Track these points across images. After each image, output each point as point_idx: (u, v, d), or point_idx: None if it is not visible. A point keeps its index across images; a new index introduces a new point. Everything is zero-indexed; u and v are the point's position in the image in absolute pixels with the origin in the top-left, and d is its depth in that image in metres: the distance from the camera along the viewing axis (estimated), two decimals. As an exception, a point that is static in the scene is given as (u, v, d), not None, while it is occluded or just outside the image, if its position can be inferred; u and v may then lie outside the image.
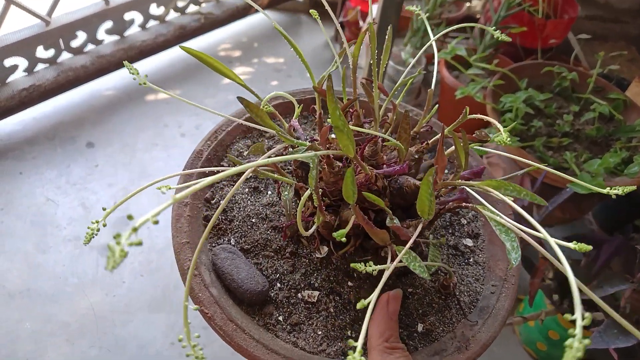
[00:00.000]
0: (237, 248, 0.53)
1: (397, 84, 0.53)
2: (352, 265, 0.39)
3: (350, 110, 0.52)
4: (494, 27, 1.41)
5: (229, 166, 0.60)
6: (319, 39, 2.09)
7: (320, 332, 0.49)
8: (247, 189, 0.59)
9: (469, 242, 0.59)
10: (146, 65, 1.88)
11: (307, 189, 0.45)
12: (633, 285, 0.99)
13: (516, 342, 1.29)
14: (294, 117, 0.54)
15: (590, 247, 0.37)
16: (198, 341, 0.41)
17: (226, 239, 0.54)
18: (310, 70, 0.52)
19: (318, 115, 0.51)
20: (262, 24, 2.13)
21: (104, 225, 0.46)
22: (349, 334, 0.49)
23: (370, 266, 0.39)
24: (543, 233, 0.35)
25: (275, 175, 0.49)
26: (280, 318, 0.49)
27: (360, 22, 1.85)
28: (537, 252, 1.13)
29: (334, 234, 0.40)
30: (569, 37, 1.83)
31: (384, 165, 0.49)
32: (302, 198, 0.44)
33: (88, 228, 0.46)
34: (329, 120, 0.39)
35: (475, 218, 0.62)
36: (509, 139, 0.43)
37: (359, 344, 0.31)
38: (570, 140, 1.18)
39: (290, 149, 0.49)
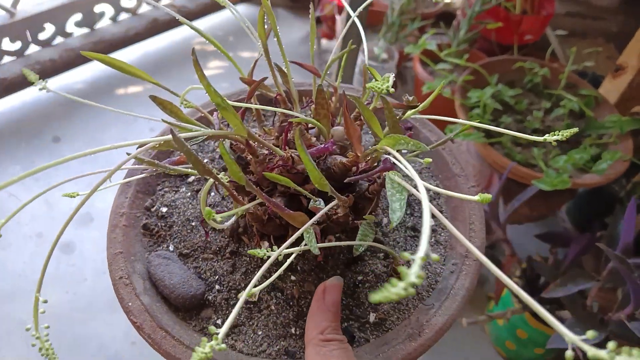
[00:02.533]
0: (176, 254, 0.52)
1: (329, 63, 0.51)
2: (249, 252, 0.39)
3: (276, 96, 0.51)
4: (467, 22, 1.40)
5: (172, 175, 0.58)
6: (297, 33, 2.08)
7: (260, 332, 0.48)
8: (189, 193, 0.57)
9: (405, 185, 0.56)
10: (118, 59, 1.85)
11: (234, 184, 0.44)
12: (599, 283, 0.98)
13: (487, 342, 1.28)
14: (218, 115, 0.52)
15: (490, 197, 0.35)
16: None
17: (165, 246, 0.53)
18: (236, 65, 0.53)
19: (256, 111, 0.50)
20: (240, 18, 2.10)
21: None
22: (293, 331, 0.48)
23: (268, 251, 0.38)
24: (417, 181, 0.32)
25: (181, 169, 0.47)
26: (219, 321, 0.48)
27: (337, 17, 1.84)
28: (503, 250, 1.12)
29: (251, 252, 0.38)
30: (547, 33, 1.83)
31: (313, 146, 0.47)
32: (206, 185, 0.42)
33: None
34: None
35: (437, 195, 0.60)
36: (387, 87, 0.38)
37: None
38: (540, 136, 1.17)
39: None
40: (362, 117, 0.48)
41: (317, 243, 0.41)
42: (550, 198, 1.14)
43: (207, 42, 0.48)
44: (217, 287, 0.50)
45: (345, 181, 0.43)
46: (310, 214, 0.41)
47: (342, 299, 0.48)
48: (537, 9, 1.63)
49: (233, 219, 0.45)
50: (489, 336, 1.30)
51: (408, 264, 0.50)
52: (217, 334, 0.28)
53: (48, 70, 1.64)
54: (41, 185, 1.45)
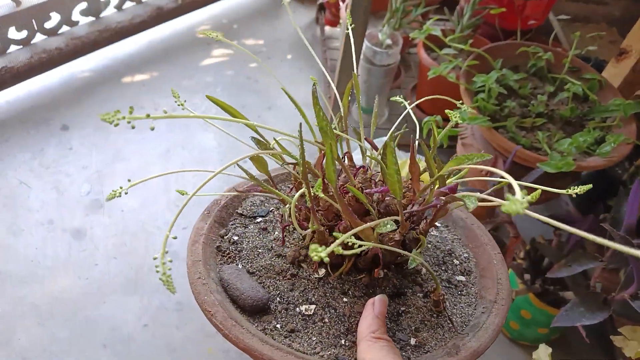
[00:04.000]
0: (244, 270, 0.59)
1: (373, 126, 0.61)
2: (309, 250, 0.42)
3: (345, 154, 0.59)
4: (471, 8, 1.41)
5: (242, 214, 0.67)
6: (301, 20, 2.08)
7: (314, 338, 0.53)
8: (256, 230, 0.65)
9: (461, 277, 0.63)
10: (124, 47, 1.87)
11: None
12: (602, 264, 1.00)
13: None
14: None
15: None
16: (171, 322, 0.45)
17: (235, 264, 0.60)
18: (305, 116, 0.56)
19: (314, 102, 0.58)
20: (242, 6, 2.11)
21: (126, 193, 0.50)
22: (343, 342, 0.53)
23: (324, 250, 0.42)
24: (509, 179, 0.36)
25: (276, 191, 0.58)
26: (278, 326, 0.53)
27: (340, 4, 1.84)
28: (508, 232, 1.14)
29: (313, 188, 0.44)
30: (550, 18, 1.83)
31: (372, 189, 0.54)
32: (296, 193, 0.50)
33: (113, 191, 0.50)
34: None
35: (467, 259, 0.67)
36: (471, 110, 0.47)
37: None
38: (544, 120, 1.18)
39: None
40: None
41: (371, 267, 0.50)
42: (554, 181, 1.15)
43: (211, 30, 0.52)
44: (277, 299, 0.56)
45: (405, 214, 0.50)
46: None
47: (386, 323, 0.54)
48: (540, -6, 1.64)
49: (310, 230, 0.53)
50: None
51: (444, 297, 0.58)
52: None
53: (55, 59, 1.65)
54: (50, 173, 1.46)
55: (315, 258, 0.34)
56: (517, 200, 0.28)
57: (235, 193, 0.67)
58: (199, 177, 1.49)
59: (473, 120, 1.10)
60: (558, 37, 1.74)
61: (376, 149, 0.60)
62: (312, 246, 0.36)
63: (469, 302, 0.60)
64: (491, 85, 1.16)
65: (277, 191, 0.58)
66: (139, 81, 1.78)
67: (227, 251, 0.61)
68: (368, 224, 0.47)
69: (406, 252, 0.50)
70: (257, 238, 0.64)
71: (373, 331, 0.49)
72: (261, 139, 0.57)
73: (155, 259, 0.38)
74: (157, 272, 0.38)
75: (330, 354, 0.52)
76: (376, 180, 0.57)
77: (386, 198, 0.53)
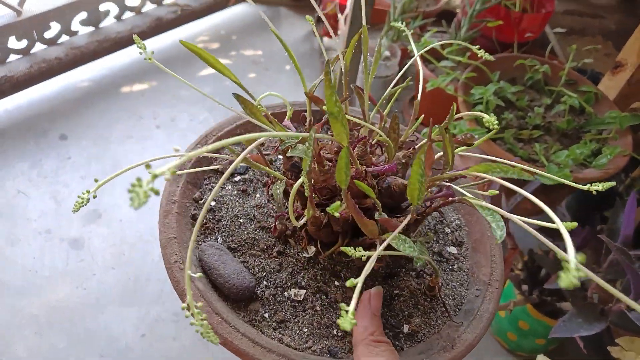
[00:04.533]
0: (225, 246, 0.54)
1: (383, 96, 0.55)
2: (342, 248, 0.41)
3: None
4: (468, 21, 1.42)
5: (223, 162, 0.61)
6: (299, 32, 2.10)
7: (306, 330, 0.50)
8: (235, 191, 0.60)
9: (453, 249, 0.61)
10: (123, 57, 1.87)
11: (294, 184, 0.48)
12: (599, 275, 1.01)
13: (488, 333, 1.31)
14: (286, 118, 0.55)
15: (496, 192, 0.42)
16: (168, 332, 0.42)
17: (213, 238, 0.55)
18: (303, 78, 0.55)
19: (309, 121, 0.53)
20: (240, 17, 2.13)
21: (94, 197, 0.48)
22: (335, 332, 0.50)
23: (359, 251, 0.40)
24: (551, 216, 0.37)
25: (267, 169, 0.51)
26: (266, 315, 0.50)
27: (339, 15, 1.86)
28: (506, 243, 1.15)
29: (328, 208, 0.40)
30: (546, 31, 1.85)
31: (372, 166, 0.50)
32: (293, 187, 0.45)
33: (78, 197, 0.47)
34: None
35: (459, 227, 0.64)
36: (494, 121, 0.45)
37: (351, 307, 0.32)
38: (541, 132, 1.19)
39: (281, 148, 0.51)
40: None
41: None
42: (551, 193, 1.16)
43: (210, 40, 0.52)
44: (264, 282, 0.52)
45: (404, 207, 0.49)
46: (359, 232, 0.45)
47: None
48: (536, 7, 1.66)
49: (304, 219, 0.48)
50: (490, 327, 1.32)
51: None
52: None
53: (54, 69, 1.66)
54: (49, 183, 1.47)
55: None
56: (571, 271, 0.29)
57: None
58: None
59: (472, 132, 1.10)
60: (554, 50, 1.75)
61: (375, 103, 0.55)
62: (345, 249, 0.37)
63: (461, 280, 0.58)
64: (489, 97, 1.17)
65: (273, 171, 0.52)
66: (138, 91, 1.79)
67: (205, 222, 0.56)
68: (371, 226, 0.44)
69: (409, 254, 0.46)
70: (237, 203, 0.58)
71: (371, 332, 0.46)
72: (247, 99, 0.51)
73: (184, 308, 0.36)
74: (192, 324, 0.35)
75: (322, 347, 0.49)
76: (373, 145, 0.53)
77: (387, 179, 0.49)
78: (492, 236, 0.60)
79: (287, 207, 0.47)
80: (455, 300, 0.56)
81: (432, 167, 0.46)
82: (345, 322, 0.31)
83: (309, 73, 1.89)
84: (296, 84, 1.86)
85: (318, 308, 0.51)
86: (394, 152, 0.49)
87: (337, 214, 0.41)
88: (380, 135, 0.48)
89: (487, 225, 0.61)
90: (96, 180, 0.47)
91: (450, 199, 0.49)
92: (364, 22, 0.54)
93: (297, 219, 0.50)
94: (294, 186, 0.45)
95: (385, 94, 0.56)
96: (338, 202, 0.41)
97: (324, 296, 0.52)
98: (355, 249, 0.41)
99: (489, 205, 0.43)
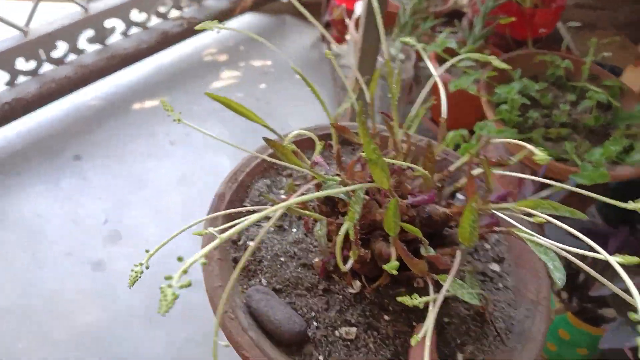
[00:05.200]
0: (270, 288, 0.53)
1: (408, 117, 0.55)
2: (399, 299, 0.41)
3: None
4: (481, 19, 1.40)
5: (251, 206, 0.60)
6: (305, 40, 2.08)
7: None
8: (272, 228, 0.59)
9: (495, 267, 0.60)
10: (131, 74, 1.86)
11: (336, 223, 0.48)
12: (642, 275, 0.98)
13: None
14: (315, 153, 0.55)
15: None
16: (199, 354, 0.41)
17: (257, 280, 0.54)
18: (325, 105, 0.54)
19: (336, 150, 0.53)
20: (247, 27, 2.11)
21: (147, 268, 0.46)
22: None
23: (416, 298, 0.39)
24: (602, 252, 0.36)
25: (308, 212, 0.50)
26: (320, 358, 0.49)
27: (347, 21, 1.84)
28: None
29: (385, 266, 0.39)
30: (559, 26, 1.84)
31: (409, 196, 0.50)
32: (340, 232, 0.44)
33: (132, 271, 0.45)
34: (362, 154, 0.41)
35: (498, 242, 0.63)
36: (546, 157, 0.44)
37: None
38: (569, 130, 1.17)
39: (314, 185, 0.51)
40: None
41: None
42: (581, 194, 1.14)
43: (218, 52, 0.51)
44: (314, 323, 0.51)
45: (445, 234, 0.48)
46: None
47: None
48: (548, 2, 1.64)
49: (351, 262, 0.47)
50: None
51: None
52: None
53: (64, 88, 1.64)
54: (66, 205, 1.45)
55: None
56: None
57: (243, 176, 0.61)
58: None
59: (500, 133, 1.08)
60: (569, 45, 1.74)
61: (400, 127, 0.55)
62: (403, 299, 0.36)
63: (508, 299, 0.57)
64: (514, 96, 1.15)
65: (314, 214, 0.51)
66: (149, 108, 1.77)
67: (247, 264, 0.55)
68: (421, 265, 0.44)
69: (469, 301, 0.46)
70: (276, 240, 0.58)
71: None
72: (274, 136, 0.51)
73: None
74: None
75: None
76: (406, 169, 0.52)
77: (427, 208, 0.49)
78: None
79: (330, 248, 0.47)
80: (505, 323, 0.54)
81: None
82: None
83: (319, 79, 1.87)
84: (309, 92, 1.84)
85: (371, 346, 0.50)
86: (431, 181, 0.48)
87: (394, 272, 0.40)
88: (418, 170, 0.48)
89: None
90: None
91: (495, 228, 0.48)
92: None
93: (343, 260, 0.49)
94: (340, 235, 0.44)
95: (412, 114, 0.56)
96: (395, 263, 0.40)
97: (376, 332, 0.51)
98: (411, 296, 0.40)
99: (542, 241, 0.41)
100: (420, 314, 0.52)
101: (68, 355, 1.18)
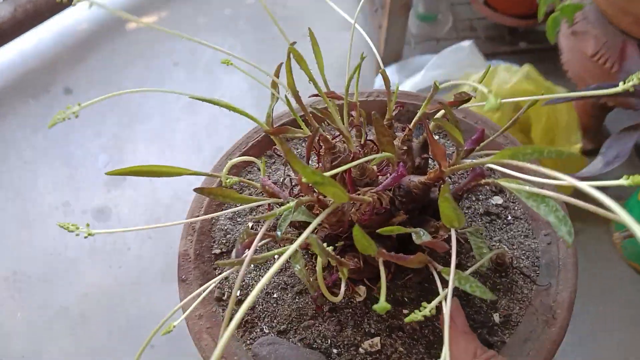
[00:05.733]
0: (274, 333, 0.49)
1: (348, 78, 0.47)
2: (406, 320, 0.35)
3: (320, 138, 0.46)
4: None
5: (221, 251, 0.55)
6: None
7: None
8: (252, 266, 0.53)
9: (497, 199, 0.55)
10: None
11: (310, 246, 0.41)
12: None
13: (616, 257, 1.04)
14: (262, 173, 0.48)
15: None
16: None
17: (258, 330, 0.49)
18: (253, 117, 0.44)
19: (285, 155, 0.47)
20: None
21: None
22: None
23: (423, 308, 0.34)
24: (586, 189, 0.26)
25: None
26: None
27: None
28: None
29: (376, 307, 0.33)
30: None
31: (379, 177, 0.46)
32: (318, 270, 0.39)
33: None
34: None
35: (493, 172, 0.56)
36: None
37: None
38: None
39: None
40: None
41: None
42: None
43: None
44: (334, 350, 0.47)
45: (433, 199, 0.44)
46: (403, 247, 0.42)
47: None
48: None
49: (343, 284, 0.42)
50: (621, 252, 1.06)
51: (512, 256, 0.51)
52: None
53: (42, 9, 1.38)
54: (58, 147, 1.23)
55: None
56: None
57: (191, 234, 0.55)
58: (232, 129, 1.23)
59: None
60: None
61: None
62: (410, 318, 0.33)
63: (523, 231, 0.53)
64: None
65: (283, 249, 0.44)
66: (147, 26, 1.50)
67: (242, 318, 0.47)
68: (418, 259, 0.37)
69: (480, 296, 0.38)
70: (260, 277, 0.53)
71: (474, 353, 0.41)
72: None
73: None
74: None
75: None
76: (366, 146, 0.47)
77: (401, 185, 0.43)
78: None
79: (315, 280, 0.40)
80: (530, 259, 0.51)
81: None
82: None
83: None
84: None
85: (401, 348, 0.46)
86: (395, 157, 0.42)
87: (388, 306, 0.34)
88: (374, 159, 0.41)
89: None
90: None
91: (483, 181, 0.41)
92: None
93: (333, 287, 0.44)
94: (318, 270, 0.39)
95: (348, 78, 0.47)
96: (384, 305, 0.33)
97: (401, 332, 0.47)
98: (416, 311, 0.34)
99: (536, 190, 0.33)
100: (437, 290, 0.42)
101: (72, 323, 0.99)
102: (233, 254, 0.54)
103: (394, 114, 0.48)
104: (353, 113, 0.49)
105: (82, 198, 1.16)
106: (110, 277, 1.04)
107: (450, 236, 0.41)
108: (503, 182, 0.35)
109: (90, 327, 0.98)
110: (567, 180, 0.29)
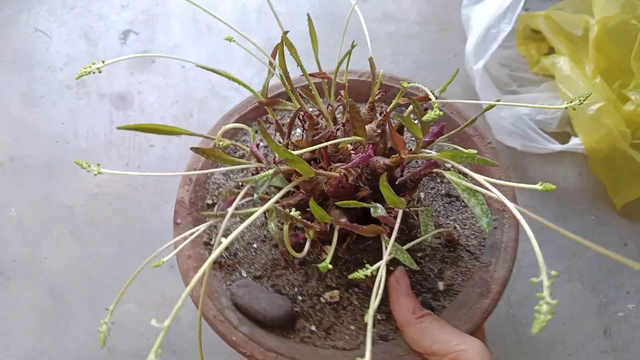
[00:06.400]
0: (250, 278, 0.56)
1: (340, 60, 0.51)
2: (350, 276, 0.43)
3: (302, 113, 0.50)
4: None
5: (213, 203, 0.61)
6: None
7: (353, 327, 0.52)
8: (237, 217, 0.57)
9: (477, 188, 0.54)
10: None
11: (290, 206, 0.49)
12: None
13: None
14: (252, 140, 0.54)
15: (554, 187, 0.35)
16: None
17: (238, 273, 0.56)
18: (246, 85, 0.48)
19: (275, 122, 0.53)
20: None
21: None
22: (379, 317, 0.52)
23: (367, 268, 0.42)
24: (498, 194, 0.36)
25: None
26: (313, 328, 0.52)
27: None
28: None
29: (319, 266, 0.41)
30: None
31: (351, 155, 0.50)
32: (284, 229, 0.44)
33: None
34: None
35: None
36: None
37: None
38: None
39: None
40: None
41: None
42: None
43: None
44: (299, 297, 0.54)
45: (397, 182, 0.49)
46: (367, 218, 0.46)
47: (410, 276, 0.53)
48: None
49: (308, 245, 0.48)
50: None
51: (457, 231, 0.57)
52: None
53: None
54: (77, 16, 1.02)
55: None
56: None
57: (191, 182, 0.61)
58: (283, 16, 1.01)
59: None
60: None
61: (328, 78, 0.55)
62: (353, 275, 0.42)
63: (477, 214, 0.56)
64: None
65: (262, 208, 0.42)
66: None
67: (223, 261, 0.57)
68: (370, 227, 0.45)
69: (408, 266, 0.47)
70: (245, 229, 0.58)
71: (412, 311, 0.48)
72: None
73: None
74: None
75: (373, 335, 0.46)
76: (345, 126, 0.51)
77: (369, 164, 0.49)
78: (492, 159, 0.55)
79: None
80: (477, 238, 0.57)
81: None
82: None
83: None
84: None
85: (356, 302, 0.53)
86: (365, 140, 0.47)
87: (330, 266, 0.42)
88: (345, 141, 0.47)
89: (483, 147, 0.62)
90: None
91: (435, 170, 0.46)
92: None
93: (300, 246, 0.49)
94: (285, 230, 0.44)
95: (340, 60, 0.51)
96: (325, 264, 0.41)
97: (357, 288, 0.54)
98: (364, 267, 0.42)
99: (469, 185, 0.40)
100: (394, 259, 0.48)
101: (76, 227, 0.82)
102: (216, 207, 0.57)
103: (377, 97, 0.53)
104: (343, 92, 0.52)
105: (101, 79, 0.96)
106: (125, 179, 0.86)
107: (407, 211, 0.53)
108: (447, 174, 0.41)
109: (98, 233, 0.81)
110: (477, 178, 0.38)
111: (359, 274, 0.41)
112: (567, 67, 0.86)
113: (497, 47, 0.87)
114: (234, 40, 0.53)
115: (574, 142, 0.84)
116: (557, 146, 0.84)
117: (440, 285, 0.53)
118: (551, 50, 0.95)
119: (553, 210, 0.84)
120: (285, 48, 0.47)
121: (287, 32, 0.47)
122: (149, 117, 0.92)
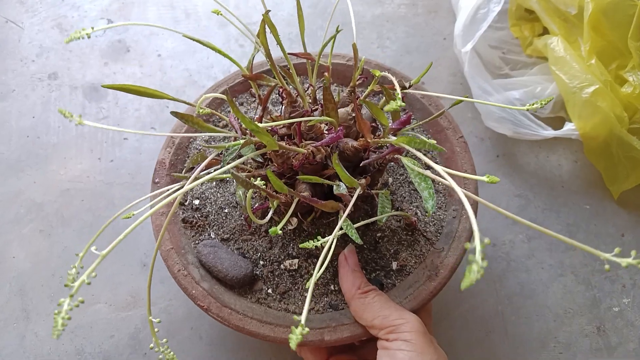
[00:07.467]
0: (218, 239, 0.60)
1: (325, 42, 0.53)
2: (301, 245, 0.46)
3: (280, 89, 0.53)
4: None
5: (191, 167, 0.62)
6: None
7: (306, 293, 0.52)
8: (214, 182, 0.63)
9: (428, 173, 0.56)
10: None
11: (260, 176, 0.51)
12: None
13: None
14: (232, 112, 0.52)
15: (498, 179, 0.37)
16: None
17: (206, 234, 0.60)
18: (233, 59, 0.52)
19: (258, 97, 0.56)
20: None
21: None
22: (332, 288, 0.56)
23: (318, 240, 0.45)
24: (449, 180, 0.37)
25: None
26: (270, 290, 0.56)
27: None
28: None
29: (270, 230, 0.42)
30: None
31: (323, 134, 0.52)
32: (247, 197, 0.47)
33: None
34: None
35: (429, 151, 0.66)
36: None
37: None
38: None
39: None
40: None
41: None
42: None
43: None
44: (261, 262, 0.58)
45: (361, 164, 0.51)
46: (331, 194, 0.49)
47: (367, 254, 0.58)
48: None
49: (270, 212, 0.51)
50: None
51: (417, 217, 0.61)
52: (299, 320, 0.34)
53: None
54: (49, 5, 0.99)
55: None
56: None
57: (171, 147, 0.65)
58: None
59: None
60: None
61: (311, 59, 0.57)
62: (305, 245, 0.46)
63: (438, 203, 0.62)
64: None
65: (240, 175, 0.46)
66: None
67: (195, 221, 0.61)
68: (329, 203, 0.48)
69: (355, 240, 0.49)
70: (219, 194, 0.63)
71: (358, 286, 0.52)
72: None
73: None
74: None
75: (324, 304, 0.56)
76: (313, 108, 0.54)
77: (339, 144, 0.52)
78: (461, 152, 0.64)
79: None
80: (435, 226, 0.61)
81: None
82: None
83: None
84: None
85: (313, 271, 0.55)
86: (337, 122, 0.49)
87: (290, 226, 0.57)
88: (318, 119, 0.50)
89: (455, 141, 0.64)
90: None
91: (397, 156, 0.48)
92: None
93: (265, 213, 0.55)
94: (248, 197, 0.47)
95: (323, 44, 0.54)
96: (275, 229, 0.43)
97: (315, 259, 0.57)
98: (316, 239, 0.45)
99: (421, 170, 0.42)
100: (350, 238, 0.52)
101: (47, 224, 0.79)
102: (184, 170, 0.62)
103: (358, 83, 0.56)
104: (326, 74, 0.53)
105: (73, 70, 0.93)
106: (97, 172, 0.83)
107: (370, 193, 0.58)
108: (403, 159, 0.44)
109: (69, 230, 0.79)
110: (430, 163, 0.40)
111: (310, 244, 0.45)
112: (561, 48, 0.82)
113: (486, 28, 0.82)
114: (220, 14, 0.54)
115: (568, 128, 0.80)
116: (550, 132, 0.80)
117: (394, 265, 0.58)
118: (546, 31, 0.91)
119: (545, 199, 0.81)
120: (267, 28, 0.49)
121: (269, 10, 0.49)
122: (123, 109, 0.89)
